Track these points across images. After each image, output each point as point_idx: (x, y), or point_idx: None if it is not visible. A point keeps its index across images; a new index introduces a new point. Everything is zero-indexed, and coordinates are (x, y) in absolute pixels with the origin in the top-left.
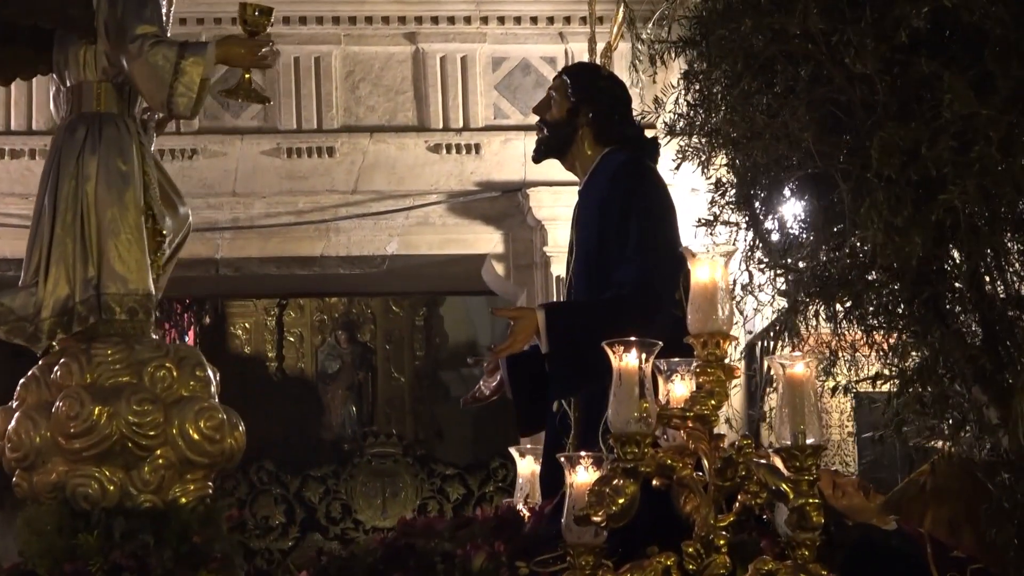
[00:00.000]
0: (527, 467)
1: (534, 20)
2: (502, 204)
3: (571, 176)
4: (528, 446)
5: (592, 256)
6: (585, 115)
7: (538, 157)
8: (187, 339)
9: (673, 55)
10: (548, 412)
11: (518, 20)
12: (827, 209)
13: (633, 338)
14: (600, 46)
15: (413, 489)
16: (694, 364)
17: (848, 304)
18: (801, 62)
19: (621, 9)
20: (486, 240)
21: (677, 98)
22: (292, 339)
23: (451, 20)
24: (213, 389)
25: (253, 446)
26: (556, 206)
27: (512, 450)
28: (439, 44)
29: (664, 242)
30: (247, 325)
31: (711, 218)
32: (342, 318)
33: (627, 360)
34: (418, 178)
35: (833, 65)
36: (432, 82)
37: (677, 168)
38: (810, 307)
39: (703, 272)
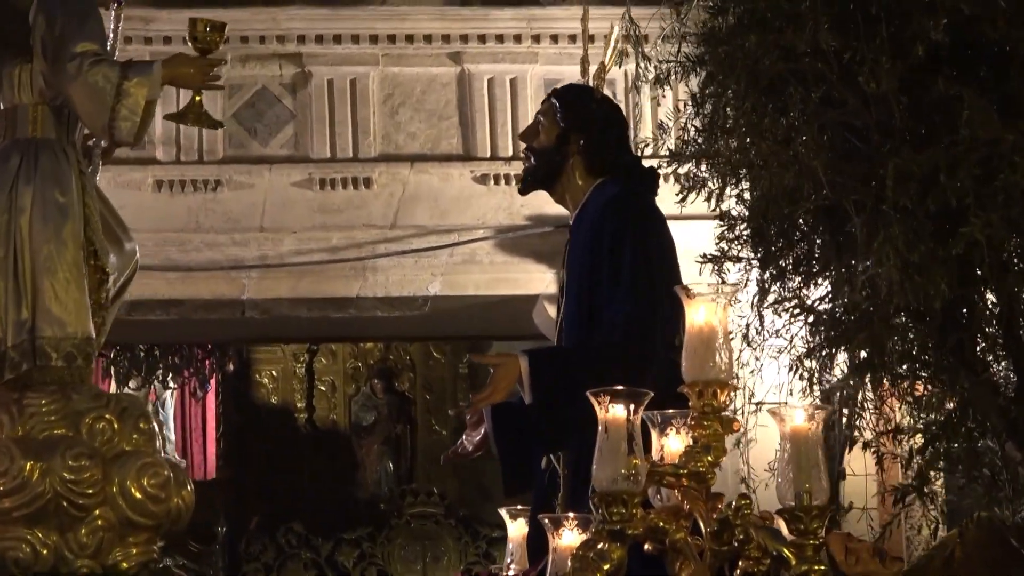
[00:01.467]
0: (518, 530)
1: (591, 39)
2: (555, 240)
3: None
4: (520, 507)
5: (583, 298)
6: (576, 142)
7: (524, 189)
8: (208, 387)
9: (679, 76)
10: (537, 469)
11: (572, 39)
12: (841, 244)
13: (620, 387)
14: (593, 67)
15: (456, 553)
16: (690, 416)
17: (869, 350)
18: (812, 82)
19: (616, 26)
20: (538, 279)
21: (684, 123)
22: (323, 388)
23: (499, 39)
24: (158, 443)
25: (281, 506)
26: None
27: (502, 511)
28: (487, 65)
29: (659, 282)
30: (274, 372)
31: (718, 254)
32: (378, 365)
33: (614, 411)
34: (463, 212)
35: (846, 86)
36: (479, 106)
37: (682, 200)
38: (827, 353)
39: (699, 314)
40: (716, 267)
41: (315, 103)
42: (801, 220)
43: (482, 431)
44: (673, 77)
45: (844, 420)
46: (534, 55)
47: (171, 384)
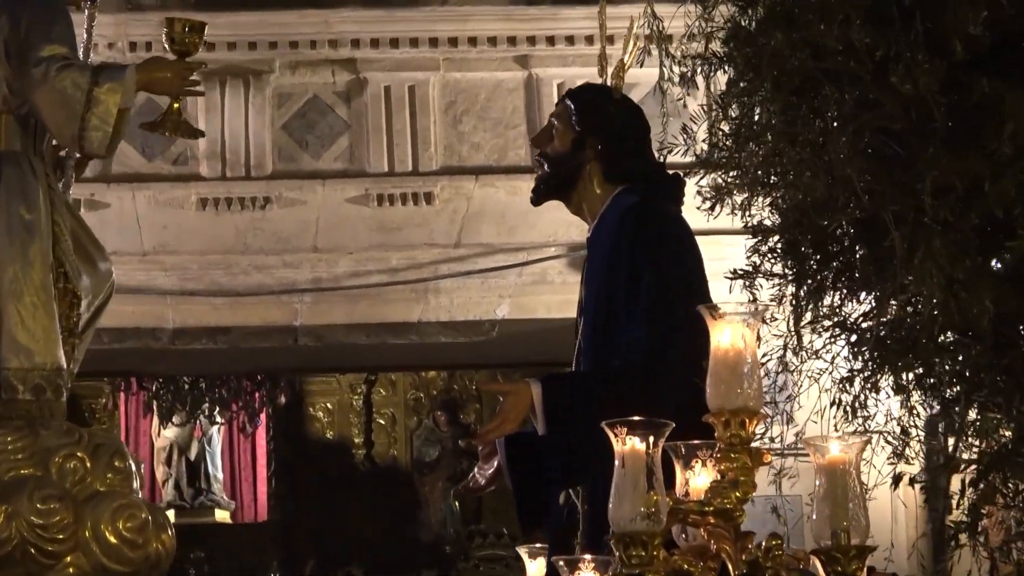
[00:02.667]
0: (538, 572)
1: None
2: None
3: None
4: (540, 546)
5: (600, 320)
6: (593, 147)
7: (537, 199)
8: (258, 422)
9: (706, 74)
10: (554, 506)
11: (649, 38)
12: (881, 259)
13: (638, 417)
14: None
15: None
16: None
17: (919, 371)
18: (845, 83)
19: (636, 20)
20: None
21: (712, 126)
22: (383, 421)
23: (570, 40)
24: (135, 483)
25: (337, 550)
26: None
27: (521, 550)
28: (556, 69)
29: (682, 300)
30: (329, 405)
31: (750, 268)
32: (442, 396)
33: (631, 443)
34: (533, 228)
35: (881, 87)
36: (548, 113)
37: (711, 209)
38: (871, 376)
39: (725, 336)
40: (747, 284)
41: (371, 112)
42: (839, 232)
43: (495, 464)
44: (699, 77)
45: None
46: (607, 57)
47: (218, 419)
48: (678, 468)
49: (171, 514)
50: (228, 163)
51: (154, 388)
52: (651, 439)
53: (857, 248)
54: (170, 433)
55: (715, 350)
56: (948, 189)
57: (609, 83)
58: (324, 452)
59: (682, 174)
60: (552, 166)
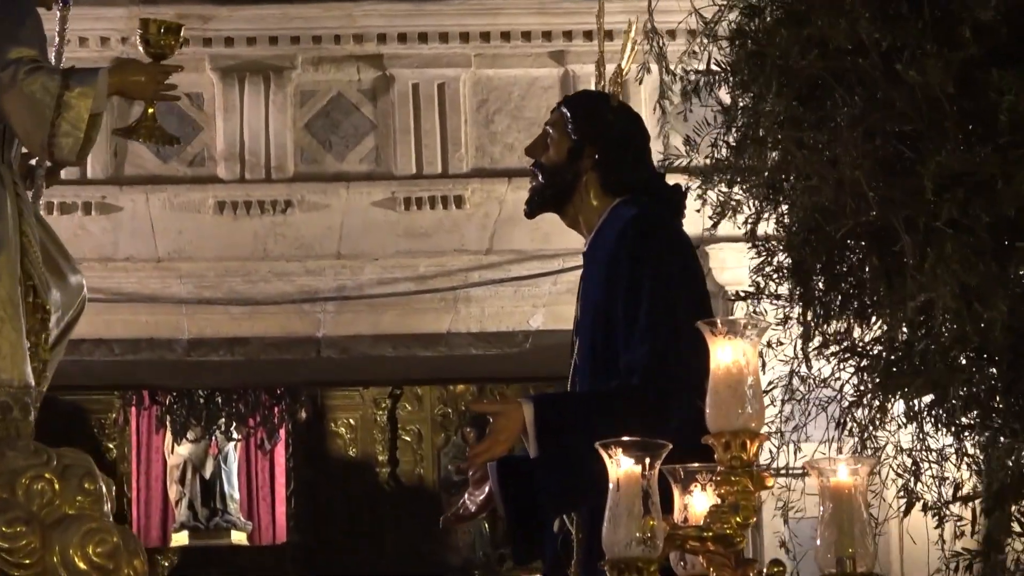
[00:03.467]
0: None
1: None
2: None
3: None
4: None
5: (598, 336)
6: (590, 157)
7: (531, 211)
8: (277, 438)
9: (710, 87)
10: (548, 533)
11: (692, 33)
12: (892, 270)
13: (633, 438)
14: (610, 69)
15: None
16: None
17: (931, 398)
18: (855, 82)
19: (634, 22)
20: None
21: (717, 138)
22: (408, 438)
23: (609, 35)
24: (106, 507)
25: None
26: (743, 267)
27: None
28: (594, 65)
29: (684, 318)
30: (352, 421)
31: (752, 289)
32: (471, 411)
33: (626, 465)
34: (568, 234)
35: (890, 84)
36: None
37: (715, 226)
38: (881, 402)
39: (725, 353)
40: (752, 306)
41: (398, 111)
42: (848, 243)
43: (487, 489)
44: (702, 87)
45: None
46: (648, 53)
47: (235, 435)
48: (676, 492)
49: (185, 536)
50: (247, 165)
51: (168, 402)
52: (647, 461)
53: (867, 264)
54: (184, 450)
55: (715, 368)
56: (955, 184)
57: (607, 89)
58: (346, 470)
59: (684, 185)
60: (547, 176)
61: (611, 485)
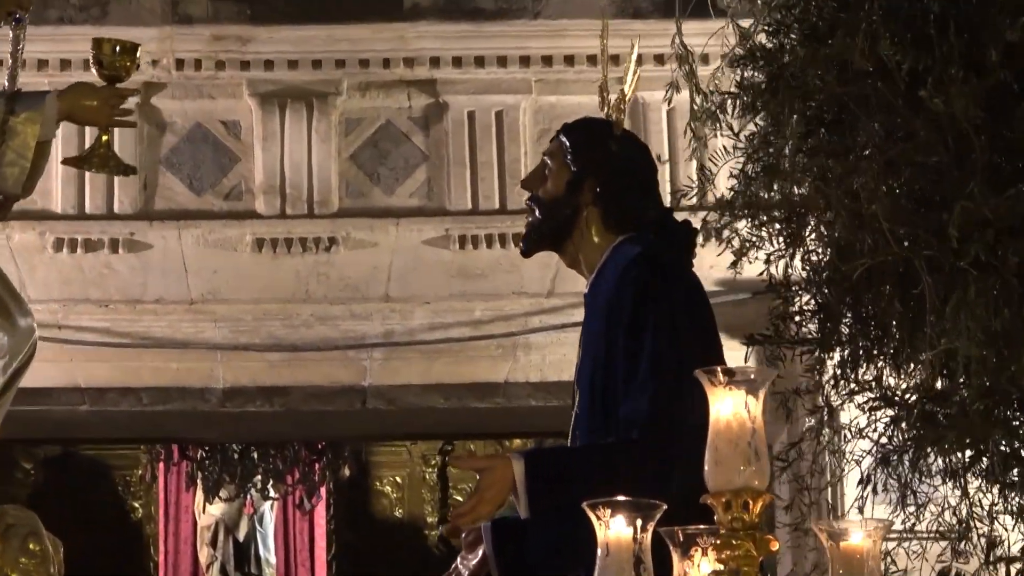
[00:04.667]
0: None
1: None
2: (752, 310)
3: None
4: None
5: (597, 385)
6: (591, 189)
7: (527, 249)
8: (318, 498)
9: (732, 110)
10: None
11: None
12: (916, 314)
13: (623, 498)
14: (614, 96)
15: None
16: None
17: (970, 454)
18: (875, 109)
19: (636, 44)
20: (730, 359)
21: (740, 168)
22: (460, 498)
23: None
24: (52, 568)
25: None
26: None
27: None
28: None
29: (690, 366)
30: (399, 479)
31: (768, 332)
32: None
33: (616, 528)
34: None
35: (913, 112)
36: (656, 143)
37: (734, 264)
38: (919, 459)
39: (725, 405)
40: (768, 351)
41: (452, 141)
42: (869, 287)
43: (480, 553)
44: (726, 110)
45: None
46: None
47: (272, 493)
48: (675, 557)
49: None
50: (288, 199)
51: (199, 457)
52: (639, 522)
53: (890, 308)
54: (216, 509)
55: (715, 421)
56: (981, 224)
57: (610, 116)
58: (392, 533)
59: (696, 222)
60: (544, 211)
61: (599, 550)
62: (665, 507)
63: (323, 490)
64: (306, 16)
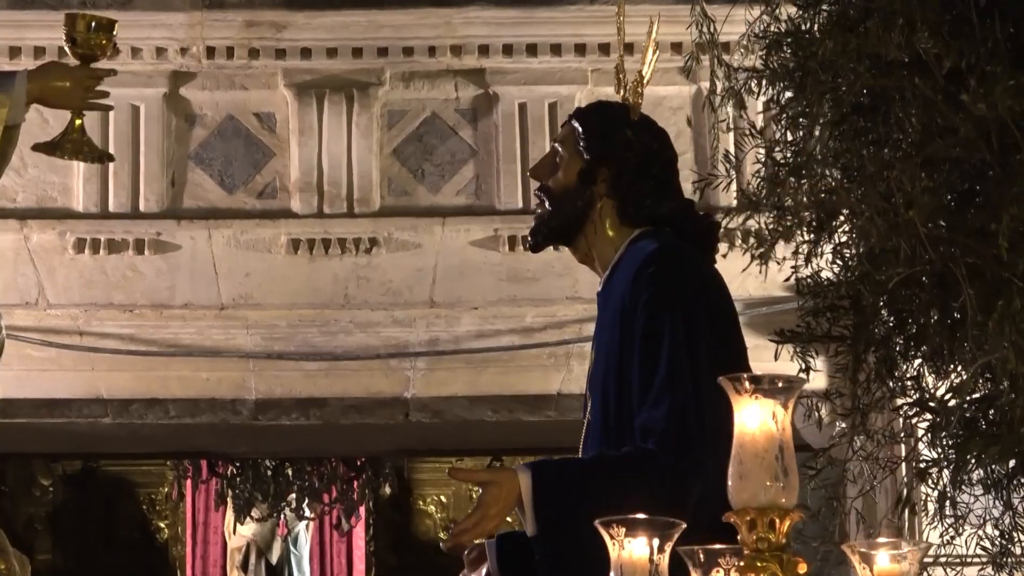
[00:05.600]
0: None
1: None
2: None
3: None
4: None
5: (611, 392)
6: (605, 180)
7: (535, 244)
8: (357, 518)
9: (765, 90)
10: None
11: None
12: (957, 325)
13: (639, 515)
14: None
15: None
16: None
17: (1012, 464)
18: (911, 104)
19: (656, 22)
20: (757, 359)
21: (770, 151)
22: (509, 518)
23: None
24: None
25: None
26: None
27: None
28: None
29: (712, 372)
30: (444, 498)
31: (800, 329)
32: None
33: (630, 548)
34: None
35: (954, 108)
36: (721, 137)
37: (760, 258)
38: (948, 470)
39: (751, 415)
40: (799, 349)
41: (503, 135)
42: (906, 294)
43: (484, 571)
44: (752, 97)
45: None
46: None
47: (307, 513)
48: None
49: None
50: (326, 197)
51: (230, 474)
52: (656, 542)
53: (928, 317)
54: (248, 530)
55: (739, 433)
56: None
57: (627, 100)
58: (436, 556)
59: (720, 218)
60: (555, 203)
61: (612, 571)
62: (684, 525)
63: (362, 509)
64: (346, 1)
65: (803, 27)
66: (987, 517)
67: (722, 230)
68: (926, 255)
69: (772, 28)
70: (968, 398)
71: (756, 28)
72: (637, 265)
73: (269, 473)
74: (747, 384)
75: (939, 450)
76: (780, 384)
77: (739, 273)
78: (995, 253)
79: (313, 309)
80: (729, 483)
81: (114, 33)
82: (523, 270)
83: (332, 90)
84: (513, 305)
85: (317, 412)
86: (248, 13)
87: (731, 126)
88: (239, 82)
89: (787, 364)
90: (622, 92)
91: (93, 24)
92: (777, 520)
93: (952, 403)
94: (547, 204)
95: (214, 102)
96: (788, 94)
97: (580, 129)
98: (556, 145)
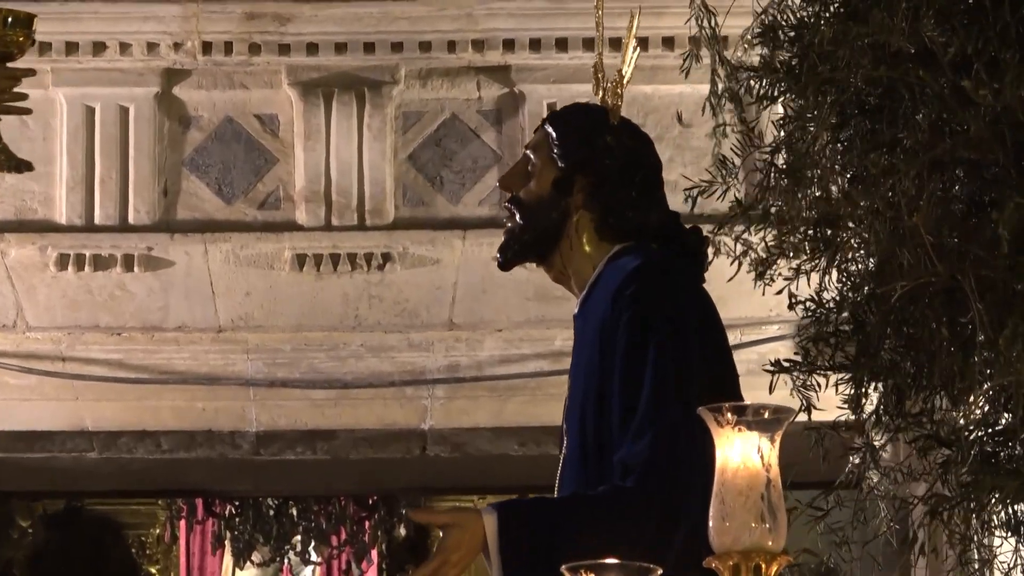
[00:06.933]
0: None
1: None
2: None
3: None
4: None
5: (589, 423)
6: (582, 190)
7: (505, 260)
8: (370, 561)
9: (760, 89)
10: None
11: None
12: (968, 342)
13: (613, 559)
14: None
15: None
16: None
17: None
18: (918, 99)
19: (636, 16)
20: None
21: (771, 153)
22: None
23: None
24: None
25: None
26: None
27: None
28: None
29: (699, 399)
30: None
31: (797, 359)
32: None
33: None
34: (748, 299)
35: (961, 104)
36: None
37: (760, 277)
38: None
39: (733, 449)
40: (797, 379)
41: (529, 138)
42: (912, 311)
43: None
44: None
45: None
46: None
47: (314, 557)
48: None
49: None
50: (334, 207)
51: (228, 514)
52: None
53: (937, 336)
54: (248, 575)
55: (721, 469)
56: None
57: (606, 103)
58: None
59: (712, 230)
60: (526, 216)
61: None
62: (661, 571)
63: (374, 553)
64: None
65: (805, 17)
66: (1015, 562)
67: (714, 241)
68: (932, 267)
69: (777, 18)
70: (990, 429)
71: (763, 20)
72: (617, 284)
73: (271, 513)
74: (729, 415)
75: (954, 488)
76: (766, 415)
77: (729, 289)
78: (1008, 264)
79: (320, 332)
80: (710, 524)
81: (33, 29)
82: (552, 288)
83: (341, 89)
84: (541, 327)
85: (325, 446)
86: (248, 4)
87: (733, 130)
88: (239, 80)
89: (784, 397)
90: (600, 93)
91: (9, 19)
92: (763, 565)
93: (969, 435)
94: (518, 217)
95: (211, 103)
96: (790, 94)
97: (554, 134)
98: (528, 152)
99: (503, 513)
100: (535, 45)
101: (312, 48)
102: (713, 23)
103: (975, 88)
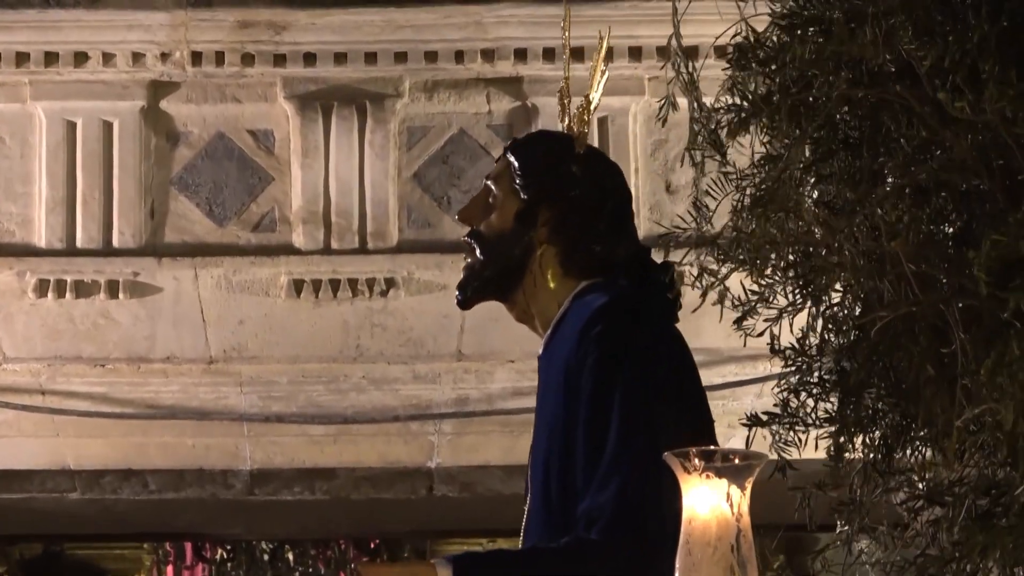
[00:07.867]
0: None
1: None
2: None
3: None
4: None
5: (553, 471)
6: (546, 224)
7: (464, 298)
8: None
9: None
10: None
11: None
12: (953, 380)
13: None
14: (576, 102)
15: None
16: None
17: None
18: (902, 119)
19: (605, 34)
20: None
21: (743, 193)
22: None
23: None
24: None
25: None
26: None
27: None
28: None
29: (669, 446)
30: None
31: (777, 411)
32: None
33: None
34: (727, 329)
35: (943, 122)
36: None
37: (737, 324)
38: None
39: (701, 497)
40: (776, 433)
41: None
42: (897, 346)
43: None
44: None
45: None
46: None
47: None
48: None
49: None
50: (334, 229)
51: (219, 558)
52: None
53: (921, 373)
54: None
55: (688, 519)
56: (1017, 263)
57: (571, 129)
58: None
59: (674, 264)
60: (487, 251)
61: None
62: None
63: None
64: (360, 1)
65: (773, 38)
66: None
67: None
68: (912, 299)
69: (750, 39)
70: (979, 488)
71: (734, 43)
72: (583, 322)
73: (266, 557)
74: (696, 460)
75: (946, 547)
76: (736, 460)
77: (699, 326)
78: (992, 292)
79: (319, 363)
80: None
81: None
82: None
83: (341, 103)
84: None
85: (324, 485)
86: (241, 12)
87: (703, 172)
88: (231, 93)
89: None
90: (566, 120)
91: None
92: None
93: (961, 491)
94: (478, 252)
95: (201, 117)
96: (764, 127)
97: (516, 164)
98: (489, 183)
99: (458, 566)
100: (548, 55)
101: (309, 58)
102: (692, 68)
103: (950, 100)
